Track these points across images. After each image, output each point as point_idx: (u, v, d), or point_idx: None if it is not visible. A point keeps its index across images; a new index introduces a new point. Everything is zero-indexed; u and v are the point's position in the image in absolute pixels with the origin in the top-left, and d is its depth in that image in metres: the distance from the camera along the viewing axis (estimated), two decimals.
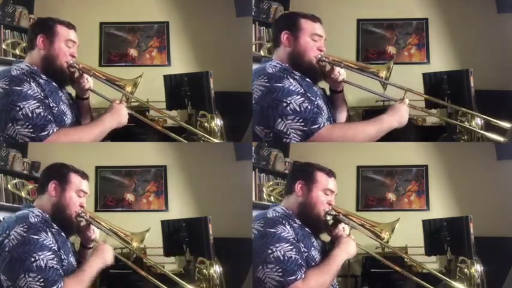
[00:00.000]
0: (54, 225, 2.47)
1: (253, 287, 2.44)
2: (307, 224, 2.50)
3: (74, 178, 2.54)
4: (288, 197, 2.57)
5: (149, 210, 3.47)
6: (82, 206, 2.53)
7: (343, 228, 2.56)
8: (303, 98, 2.51)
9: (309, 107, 2.51)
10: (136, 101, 2.80)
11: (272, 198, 3.15)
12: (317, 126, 2.51)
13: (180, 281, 2.63)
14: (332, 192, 2.54)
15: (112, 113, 2.62)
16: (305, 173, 2.57)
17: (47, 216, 2.47)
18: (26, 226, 2.39)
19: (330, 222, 2.56)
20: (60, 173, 2.53)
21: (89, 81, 2.66)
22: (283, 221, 2.47)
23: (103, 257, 2.51)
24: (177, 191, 3.49)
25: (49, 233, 2.42)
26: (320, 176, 2.54)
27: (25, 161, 3.35)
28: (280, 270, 2.38)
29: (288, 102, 2.49)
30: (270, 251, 2.40)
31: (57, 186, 2.51)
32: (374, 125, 2.61)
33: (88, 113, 2.73)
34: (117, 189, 3.49)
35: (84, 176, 2.56)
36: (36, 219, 2.43)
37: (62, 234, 2.48)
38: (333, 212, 2.53)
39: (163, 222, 3.21)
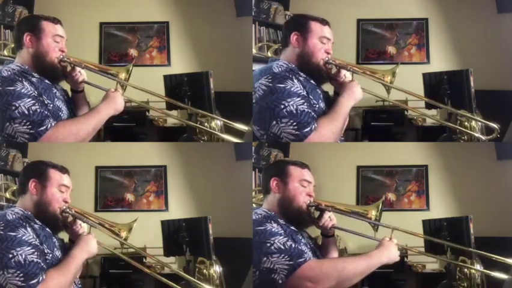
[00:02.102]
0: (38, 221, 2.45)
1: (262, 276, 2.42)
2: (291, 220, 2.51)
3: (54, 174, 2.51)
4: (266, 197, 2.58)
5: (149, 210, 3.47)
6: (66, 202, 2.51)
7: (329, 218, 2.57)
8: (302, 101, 2.53)
9: (306, 110, 2.52)
10: (134, 101, 2.82)
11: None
12: (309, 129, 2.52)
13: (194, 280, 2.66)
14: (309, 183, 2.56)
15: (107, 101, 2.63)
16: (278, 169, 2.59)
17: (29, 213, 2.46)
18: (2, 224, 2.38)
19: (317, 215, 2.57)
20: (38, 171, 2.51)
21: (82, 74, 2.67)
22: (268, 220, 2.48)
23: (87, 247, 2.49)
24: (177, 191, 3.49)
25: (29, 228, 2.40)
26: (293, 169, 2.56)
27: (25, 161, 3.34)
28: (286, 256, 2.39)
29: (286, 104, 2.50)
30: (269, 244, 2.41)
31: (38, 184, 2.48)
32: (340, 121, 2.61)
33: (86, 106, 2.73)
34: (117, 189, 3.49)
35: (63, 170, 2.54)
36: (14, 216, 2.41)
37: (47, 229, 2.46)
38: (315, 203, 2.54)
39: (163, 222, 3.21)
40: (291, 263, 2.39)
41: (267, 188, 2.57)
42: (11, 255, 2.32)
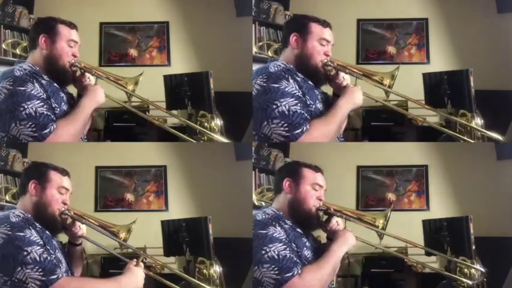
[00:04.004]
0: (37, 224, 2.46)
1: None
2: (299, 222, 2.51)
3: (54, 175, 2.52)
4: (277, 197, 2.58)
5: (149, 210, 3.47)
6: (64, 204, 2.52)
7: (337, 222, 2.57)
8: (296, 101, 2.52)
9: (299, 111, 2.52)
10: (138, 100, 2.82)
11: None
12: (300, 131, 2.52)
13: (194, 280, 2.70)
14: (321, 187, 2.56)
15: (88, 95, 2.65)
16: (292, 170, 2.59)
17: (29, 216, 2.47)
18: (8, 226, 2.40)
19: (324, 218, 2.57)
20: (39, 172, 2.52)
21: (91, 80, 2.68)
22: (274, 223, 2.48)
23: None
24: (177, 191, 3.49)
25: (33, 230, 2.42)
26: (307, 172, 2.56)
27: (25, 161, 3.35)
28: (276, 268, 2.39)
29: (279, 104, 2.50)
30: (264, 252, 2.41)
31: (37, 185, 2.50)
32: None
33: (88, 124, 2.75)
34: (117, 189, 3.49)
35: (64, 172, 2.55)
36: (17, 219, 2.43)
37: (47, 232, 2.47)
38: (324, 207, 2.54)
39: (163, 222, 3.21)
40: (278, 277, 2.39)
41: (279, 187, 2.57)
42: (25, 253, 2.37)
